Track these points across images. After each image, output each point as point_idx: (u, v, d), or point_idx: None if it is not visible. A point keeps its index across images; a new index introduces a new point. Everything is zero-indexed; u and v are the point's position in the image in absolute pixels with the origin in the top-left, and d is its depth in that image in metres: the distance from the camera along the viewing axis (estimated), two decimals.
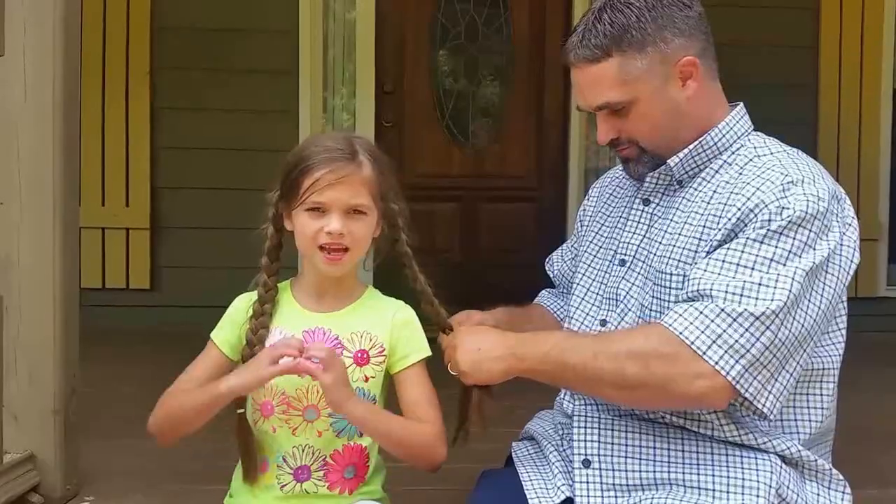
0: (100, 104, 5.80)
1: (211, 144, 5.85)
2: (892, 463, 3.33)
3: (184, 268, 5.81)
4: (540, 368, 1.95)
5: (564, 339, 1.96)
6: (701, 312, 1.83)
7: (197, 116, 5.88)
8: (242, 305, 2.03)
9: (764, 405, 1.86)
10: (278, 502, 1.98)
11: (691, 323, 1.83)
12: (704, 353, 1.81)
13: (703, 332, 1.82)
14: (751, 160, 1.99)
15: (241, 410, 1.98)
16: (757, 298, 1.81)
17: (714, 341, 1.81)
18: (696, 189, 2.02)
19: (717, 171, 2.02)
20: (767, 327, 1.81)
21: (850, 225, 1.97)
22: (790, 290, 1.82)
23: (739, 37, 5.70)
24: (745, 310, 1.81)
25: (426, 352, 2.02)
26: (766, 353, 1.82)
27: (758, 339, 1.81)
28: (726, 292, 1.82)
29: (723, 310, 1.82)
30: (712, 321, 1.82)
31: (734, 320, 1.81)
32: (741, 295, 1.82)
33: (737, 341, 1.81)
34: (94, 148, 5.78)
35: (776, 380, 1.86)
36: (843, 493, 2.02)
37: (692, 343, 1.82)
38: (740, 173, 1.97)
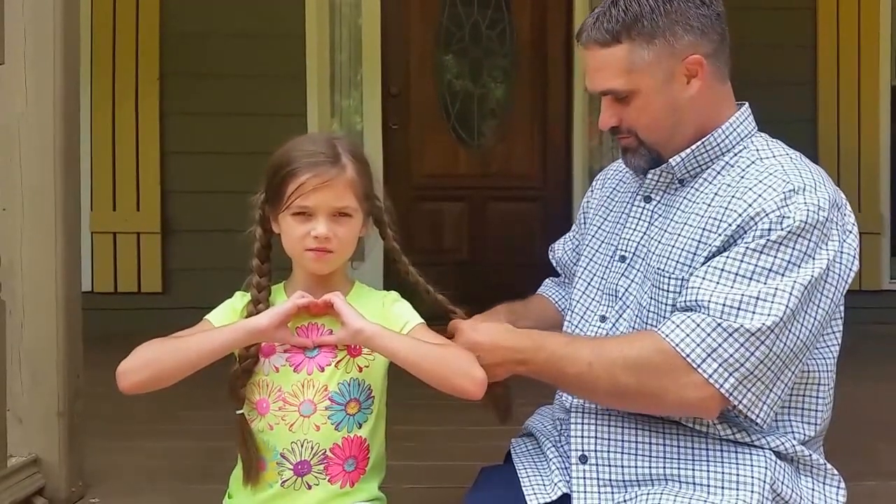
0: (110, 109, 5.86)
1: (220, 148, 5.89)
2: (890, 455, 3.33)
3: (195, 271, 5.83)
4: (538, 373, 1.98)
5: (562, 346, 1.96)
6: (698, 325, 1.84)
7: (206, 120, 5.91)
8: (241, 304, 2.04)
9: (758, 416, 1.88)
10: (278, 498, 1.98)
11: (687, 335, 1.84)
12: (699, 367, 1.83)
13: (698, 345, 1.84)
14: (753, 163, 1.99)
15: (241, 411, 1.99)
16: (753, 313, 1.83)
17: (709, 355, 1.83)
18: (697, 189, 2.03)
19: (718, 172, 2.02)
20: (762, 342, 1.83)
21: (850, 232, 1.97)
22: (787, 306, 1.83)
23: (739, 36, 5.70)
24: (741, 325, 1.82)
25: (421, 319, 2.02)
26: (760, 367, 1.84)
27: (752, 354, 1.83)
28: (723, 305, 1.84)
29: (719, 324, 1.83)
30: (708, 335, 1.83)
31: (730, 335, 1.83)
32: (738, 309, 1.83)
33: (731, 356, 1.83)
34: (104, 153, 5.84)
35: (770, 391, 1.88)
36: (838, 487, 2.03)
37: (687, 356, 1.84)
38: (742, 176, 1.97)
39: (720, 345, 1.83)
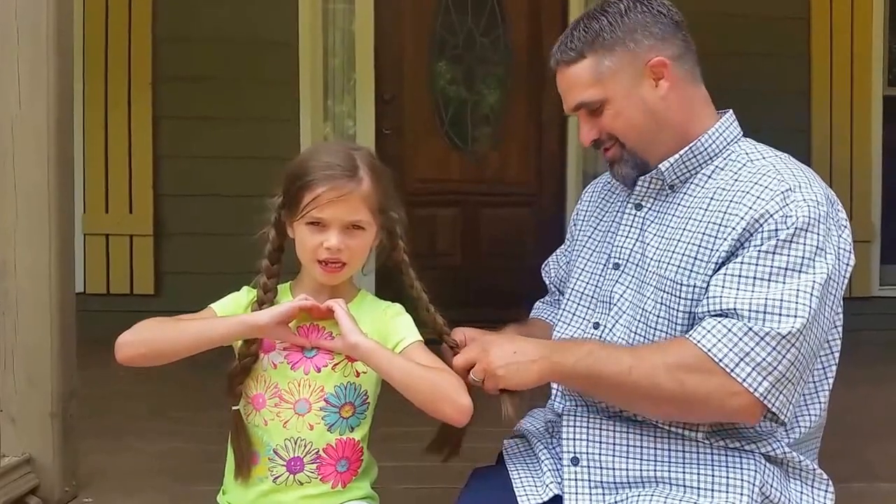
0: (103, 113, 5.87)
1: (213, 152, 5.91)
2: (879, 458, 3.36)
3: (187, 273, 5.85)
4: (573, 375, 1.97)
5: (599, 349, 1.97)
6: (729, 330, 1.85)
7: (199, 125, 5.93)
8: (246, 299, 2.06)
9: (785, 416, 1.90)
10: (271, 494, 2.00)
11: (719, 340, 1.85)
12: (732, 371, 1.84)
13: (731, 349, 1.85)
14: (744, 165, 2.01)
15: (237, 407, 2.01)
16: (780, 316, 1.84)
17: (742, 359, 1.84)
18: (689, 194, 2.04)
19: (709, 176, 2.04)
20: (792, 345, 1.84)
21: (844, 227, 1.99)
22: (810, 306, 1.85)
23: (733, 46, 5.78)
24: (772, 328, 1.84)
25: (419, 337, 2.03)
26: (791, 369, 1.86)
27: (784, 357, 1.84)
28: (751, 310, 1.85)
29: (750, 328, 1.84)
30: (740, 339, 1.85)
31: (761, 339, 1.84)
32: (765, 312, 1.85)
33: (764, 359, 1.84)
34: (97, 156, 5.85)
35: (796, 391, 1.90)
36: (826, 491, 2.04)
37: (720, 361, 1.85)
38: (736, 179, 1.99)
39: (752, 349, 1.84)
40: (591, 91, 2.05)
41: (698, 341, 1.87)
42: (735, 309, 1.86)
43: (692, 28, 2.12)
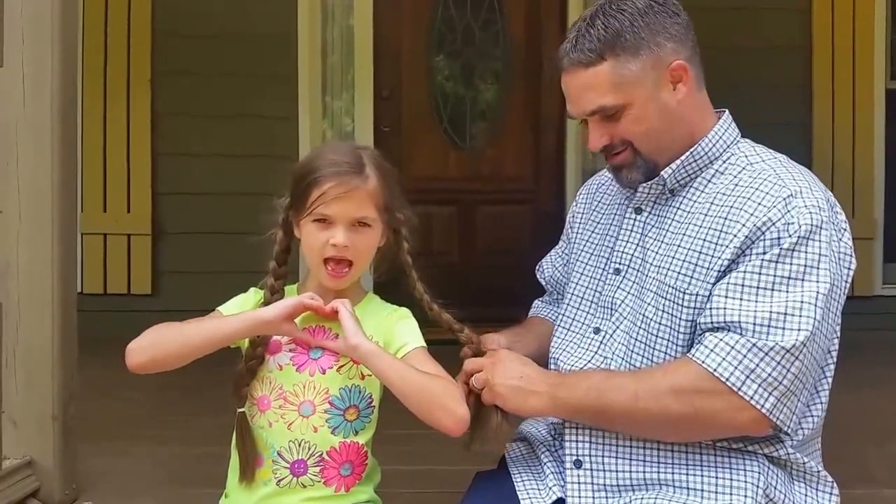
0: (101, 110, 5.86)
1: (212, 150, 5.90)
2: (880, 461, 3.36)
3: (185, 273, 5.85)
4: (579, 410, 1.97)
5: (604, 380, 1.95)
6: (732, 347, 1.85)
7: (198, 122, 5.92)
8: (252, 300, 2.07)
9: (789, 427, 1.91)
10: (274, 497, 2.00)
11: (724, 359, 1.85)
12: (739, 389, 1.84)
13: (736, 367, 1.84)
14: (744, 168, 2.00)
15: (242, 410, 2.01)
16: (784, 329, 1.84)
17: (748, 376, 1.84)
18: (689, 199, 2.03)
19: (709, 181, 2.02)
20: (797, 357, 1.84)
21: (844, 230, 1.99)
22: (814, 317, 1.85)
23: (734, 40, 5.77)
24: (776, 343, 1.83)
25: (423, 343, 2.03)
26: (795, 382, 1.86)
27: (788, 371, 1.84)
28: (754, 324, 1.84)
29: (754, 344, 1.84)
30: (745, 356, 1.84)
31: (766, 354, 1.83)
32: (769, 326, 1.84)
33: (769, 374, 1.84)
34: (95, 154, 5.84)
35: (799, 401, 1.90)
36: (831, 493, 2.04)
37: (727, 379, 1.84)
38: (736, 184, 1.98)
39: (757, 365, 1.84)
40: (611, 95, 1.98)
41: (702, 361, 1.87)
42: (738, 322, 1.86)
43: (693, 21, 2.09)
